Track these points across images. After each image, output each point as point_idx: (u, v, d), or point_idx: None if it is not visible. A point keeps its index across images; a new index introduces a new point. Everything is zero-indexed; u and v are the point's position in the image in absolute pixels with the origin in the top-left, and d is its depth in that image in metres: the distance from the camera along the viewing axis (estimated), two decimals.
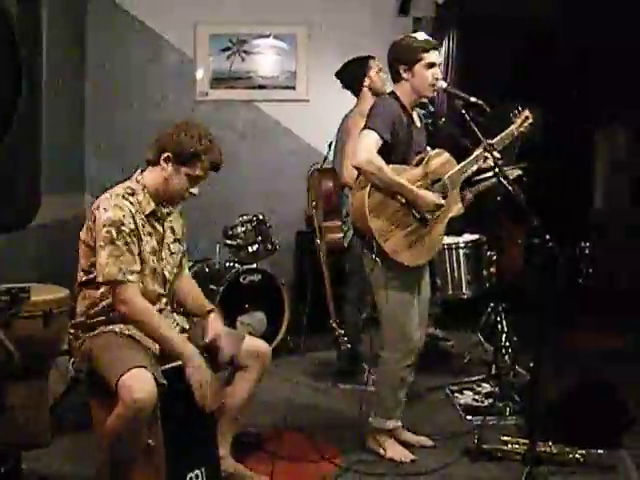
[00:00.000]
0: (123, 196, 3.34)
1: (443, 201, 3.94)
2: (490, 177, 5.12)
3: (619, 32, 7.95)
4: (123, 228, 3.25)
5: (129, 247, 3.26)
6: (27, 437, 3.94)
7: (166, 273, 3.52)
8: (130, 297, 3.24)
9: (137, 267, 3.28)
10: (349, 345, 5.40)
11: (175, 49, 7.39)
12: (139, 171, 3.49)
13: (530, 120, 4.37)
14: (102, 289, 3.35)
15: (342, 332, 5.39)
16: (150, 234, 3.42)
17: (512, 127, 4.32)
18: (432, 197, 3.88)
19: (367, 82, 5.29)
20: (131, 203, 3.33)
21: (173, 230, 3.59)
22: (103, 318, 3.37)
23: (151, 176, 3.43)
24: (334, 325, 5.45)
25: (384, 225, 3.77)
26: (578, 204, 9.99)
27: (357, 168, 3.80)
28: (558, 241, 3.55)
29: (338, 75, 5.53)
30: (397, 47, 4.03)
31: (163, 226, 3.51)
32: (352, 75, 5.39)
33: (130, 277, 3.24)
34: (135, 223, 3.31)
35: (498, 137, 4.20)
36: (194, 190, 3.41)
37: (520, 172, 5.28)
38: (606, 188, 10.43)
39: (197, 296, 3.72)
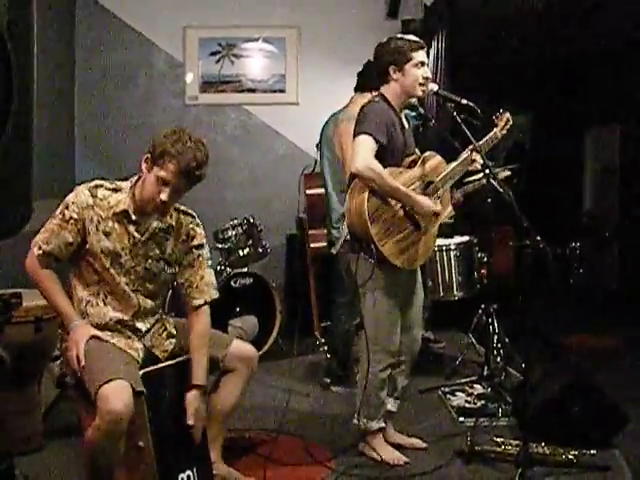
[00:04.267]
0: (95, 186, 3.32)
1: (440, 208, 3.96)
2: (479, 179, 5.15)
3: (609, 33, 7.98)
4: (66, 212, 3.26)
5: (56, 228, 3.27)
6: (19, 442, 3.94)
7: (124, 280, 3.37)
8: (30, 264, 3.30)
9: (48, 248, 3.25)
10: (328, 355, 5.39)
11: (164, 53, 7.38)
12: (138, 176, 3.40)
13: (510, 122, 4.42)
14: (81, 294, 3.36)
15: (323, 341, 5.39)
16: (109, 234, 3.31)
17: (495, 130, 4.36)
18: (430, 204, 3.90)
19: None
20: (93, 196, 3.28)
21: (163, 249, 3.45)
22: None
23: (139, 182, 3.36)
24: (316, 332, 5.46)
25: (382, 229, 3.77)
26: (568, 205, 10.04)
27: (355, 174, 3.78)
28: (549, 242, 3.56)
29: (361, 72, 5.39)
30: (385, 48, 4.02)
31: (143, 235, 3.38)
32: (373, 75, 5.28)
33: (36, 249, 3.26)
34: (82, 215, 3.25)
35: (482, 140, 4.23)
36: (162, 195, 3.24)
37: (509, 173, 5.31)
38: (596, 188, 10.47)
39: (197, 361, 3.45)
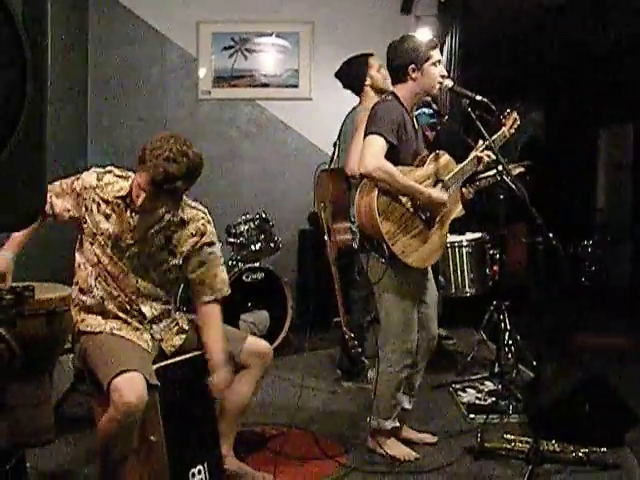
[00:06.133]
0: (105, 171, 3.49)
1: (447, 195, 3.95)
2: (491, 175, 5.14)
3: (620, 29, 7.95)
4: (75, 182, 3.45)
5: (64, 188, 3.45)
6: (31, 435, 3.96)
7: (127, 263, 3.40)
8: None
9: (52, 200, 3.42)
10: (359, 349, 5.31)
11: (178, 48, 7.39)
12: None
13: (518, 122, 4.41)
14: (89, 269, 3.43)
15: (352, 336, 5.30)
16: (108, 216, 3.38)
17: (503, 129, 4.34)
18: (442, 195, 3.89)
19: (369, 81, 5.26)
20: (99, 179, 3.42)
21: (169, 239, 3.45)
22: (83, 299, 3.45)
23: None
24: (345, 329, 5.35)
25: (392, 228, 3.76)
26: (581, 202, 10.02)
27: (367, 175, 3.75)
28: (561, 239, 3.55)
29: (338, 75, 5.48)
30: (403, 47, 3.97)
31: (147, 223, 3.39)
32: (353, 75, 5.35)
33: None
34: (83, 193, 3.39)
35: (492, 138, 4.21)
36: (139, 199, 3.26)
37: (523, 169, 5.30)
38: (609, 186, 10.44)
39: (211, 342, 3.48)
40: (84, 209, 3.39)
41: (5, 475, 3.11)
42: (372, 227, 3.78)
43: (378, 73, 5.27)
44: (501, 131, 4.33)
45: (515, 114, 4.42)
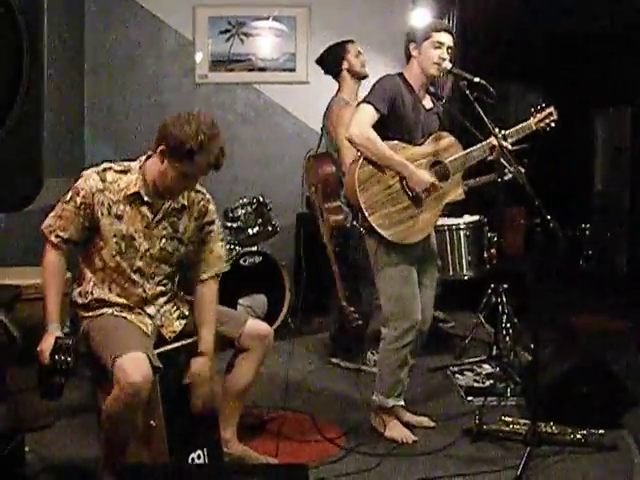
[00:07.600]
0: (104, 169, 3.30)
1: (435, 180, 3.92)
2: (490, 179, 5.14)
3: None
4: (77, 198, 3.23)
5: (69, 215, 3.24)
6: (30, 419, 3.96)
7: (138, 264, 3.36)
8: (45, 252, 3.27)
9: (66, 235, 3.25)
10: (360, 322, 5.27)
11: (174, 32, 7.35)
12: (147, 155, 3.36)
13: (554, 117, 4.29)
14: (89, 275, 3.37)
15: (352, 309, 5.25)
16: (121, 217, 3.28)
17: (530, 121, 4.26)
18: (426, 176, 3.88)
19: (345, 65, 5.36)
20: (103, 180, 3.26)
21: (176, 227, 3.42)
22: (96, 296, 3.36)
23: (151, 165, 3.31)
24: (344, 303, 5.32)
25: (372, 199, 3.81)
26: (579, 186, 10.00)
27: (349, 141, 3.85)
28: (559, 222, 3.54)
29: (318, 62, 5.63)
30: (414, 29, 4.24)
31: (156, 215, 3.35)
32: (330, 60, 5.49)
33: (52, 238, 3.24)
34: (92, 200, 3.24)
35: (513, 129, 4.18)
36: (191, 187, 3.35)
37: (525, 145, 5.25)
38: (607, 170, 10.42)
39: (205, 332, 3.46)
40: (97, 217, 3.27)
41: (4, 459, 3.12)
42: (352, 195, 3.86)
43: (356, 58, 5.33)
44: (527, 122, 4.24)
45: (551, 109, 4.30)
